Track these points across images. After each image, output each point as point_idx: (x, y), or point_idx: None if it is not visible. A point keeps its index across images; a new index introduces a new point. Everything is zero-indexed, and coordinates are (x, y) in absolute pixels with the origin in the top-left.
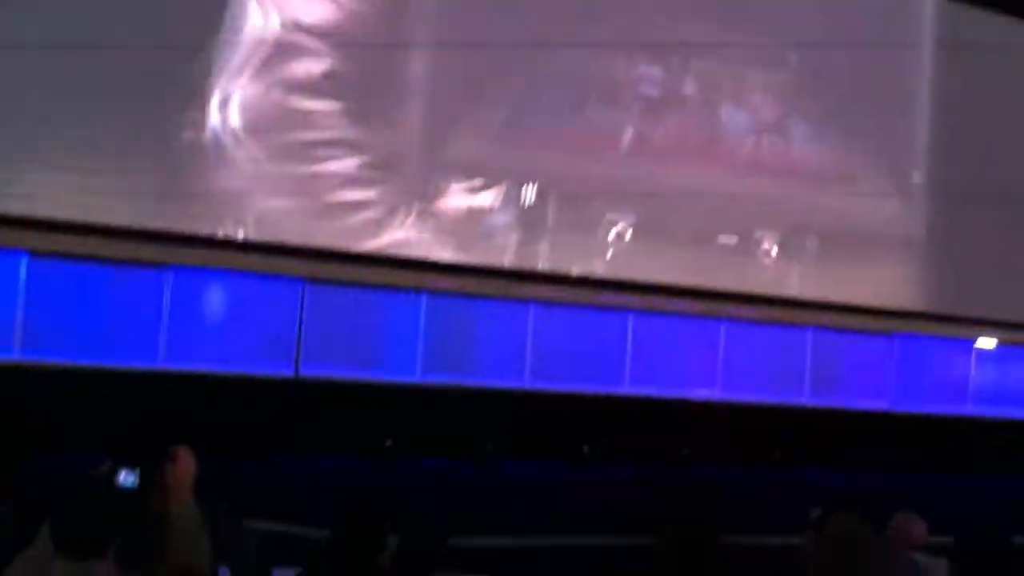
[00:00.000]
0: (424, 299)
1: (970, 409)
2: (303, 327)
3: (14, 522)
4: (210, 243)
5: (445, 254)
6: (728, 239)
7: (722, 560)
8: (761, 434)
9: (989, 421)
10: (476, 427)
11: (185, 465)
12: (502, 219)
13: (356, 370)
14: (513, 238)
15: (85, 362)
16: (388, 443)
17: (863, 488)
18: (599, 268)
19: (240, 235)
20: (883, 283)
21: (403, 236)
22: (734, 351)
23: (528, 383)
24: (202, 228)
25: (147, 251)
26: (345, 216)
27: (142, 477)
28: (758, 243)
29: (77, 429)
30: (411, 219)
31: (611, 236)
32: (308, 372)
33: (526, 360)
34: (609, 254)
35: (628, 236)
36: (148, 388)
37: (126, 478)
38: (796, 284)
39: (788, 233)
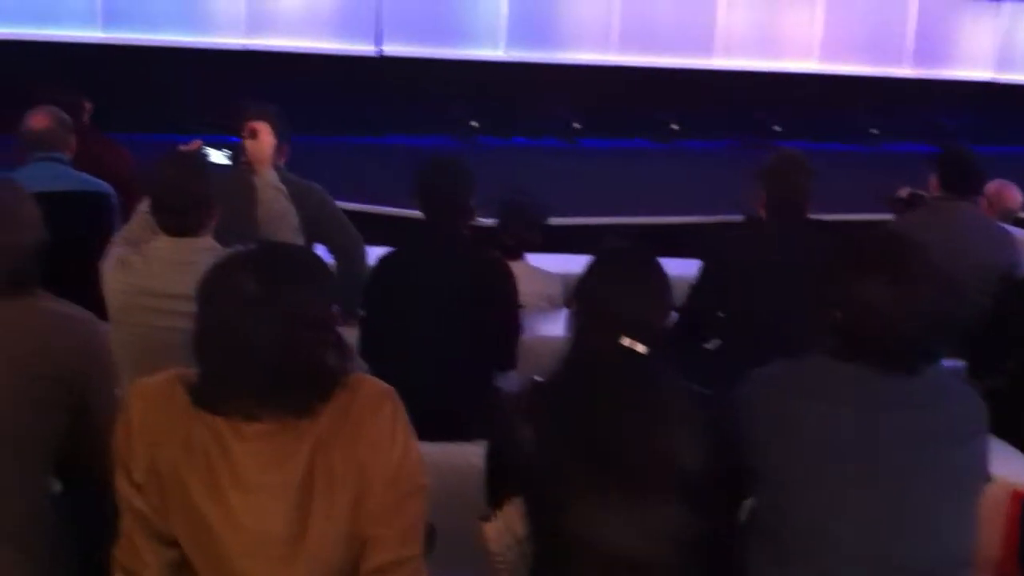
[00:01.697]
0: None
1: None
2: (381, 4)
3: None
4: None
5: None
6: None
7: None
8: (858, 107)
9: None
10: (561, 103)
11: (265, 138)
12: None
13: (438, 47)
14: None
15: (166, 39)
16: (473, 123)
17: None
18: None
19: None
20: None
21: None
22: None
23: (614, 56)
24: None
25: None
26: None
27: (232, 156)
28: None
29: (165, 108)
30: None
31: None
32: (391, 51)
33: (611, 33)
34: None
35: None
36: (232, 64)
37: (216, 155)
38: None
39: None
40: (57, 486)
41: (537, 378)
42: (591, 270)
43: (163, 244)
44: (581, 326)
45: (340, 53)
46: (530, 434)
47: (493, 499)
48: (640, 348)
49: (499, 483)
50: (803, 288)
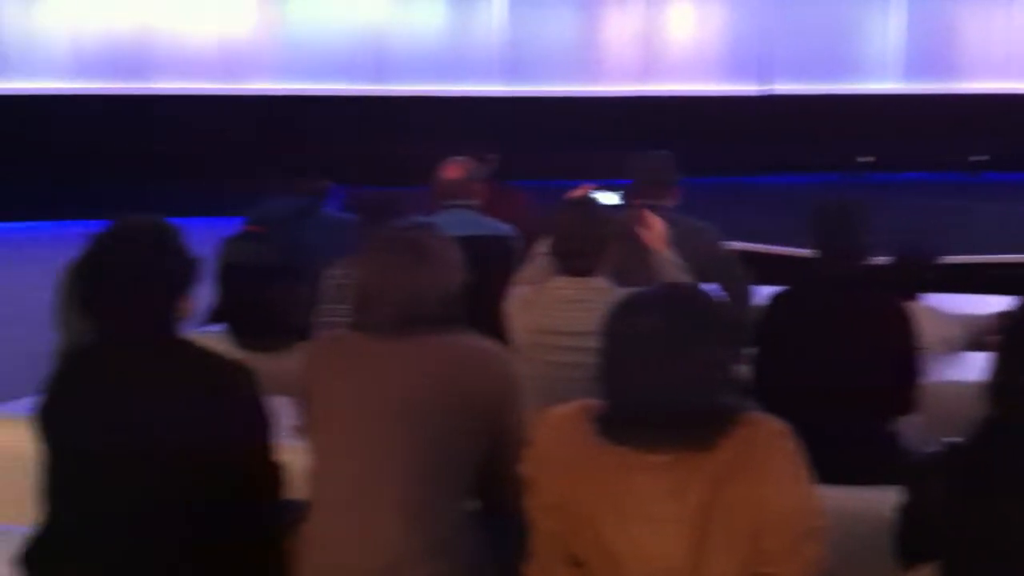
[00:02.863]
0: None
1: None
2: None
3: None
4: None
5: None
6: None
7: None
8: None
9: None
10: (961, 135)
11: (655, 227)
12: None
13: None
14: None
15: (562, 89)
16: (867, 158)
17: None
18: None
19: None
20: None
21: None
22: None
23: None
24: None
25: None
26: None
27: (623, 196)
28: None
29: (559, 155)
30: None
31: None
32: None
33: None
34: None
35: None
36: (624, 109)
37: (607, 197)
38: None
39: None
40: (475, 506)
41: (956, 440)
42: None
43: (562, 284)
44: (1002, 386)
45: (726, 94)
46: (945, 499)
47: (907, 559)
48: None
49: (914, 543)
50: None
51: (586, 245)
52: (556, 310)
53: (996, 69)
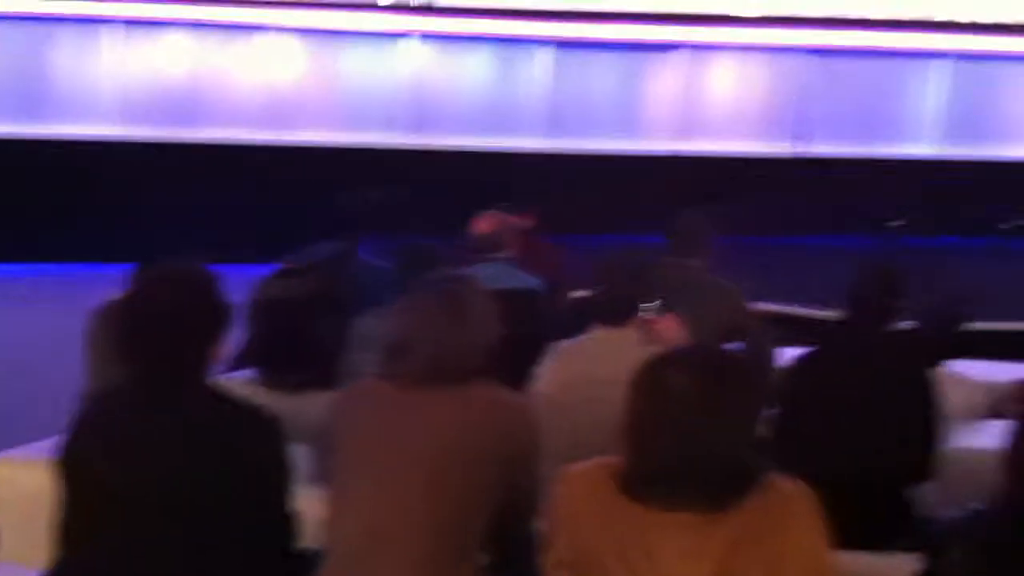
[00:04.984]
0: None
1: None
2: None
3: None
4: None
5: None
6: None
7: None
8: None
9: None
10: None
11: (670, 333)
12: None
13: (859, 144)
14: None
15: (602, 147)
16: (899, 222)
17: None
18: None
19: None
20: None
21: None
22: None
23: None
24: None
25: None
26: None
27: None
28: None
29: (600, 211)
30: None
31: None
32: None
33: None
34: None
35: None
36: (662, 168)
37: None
38: None
39: None
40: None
41: (975, 506)
42: None
43: (599, 335)
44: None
45: (759, 155)
46: (964, 567)
47: None
48: None
49: None
50: None
51: (628, 294)
52: (591, 359)
53: None
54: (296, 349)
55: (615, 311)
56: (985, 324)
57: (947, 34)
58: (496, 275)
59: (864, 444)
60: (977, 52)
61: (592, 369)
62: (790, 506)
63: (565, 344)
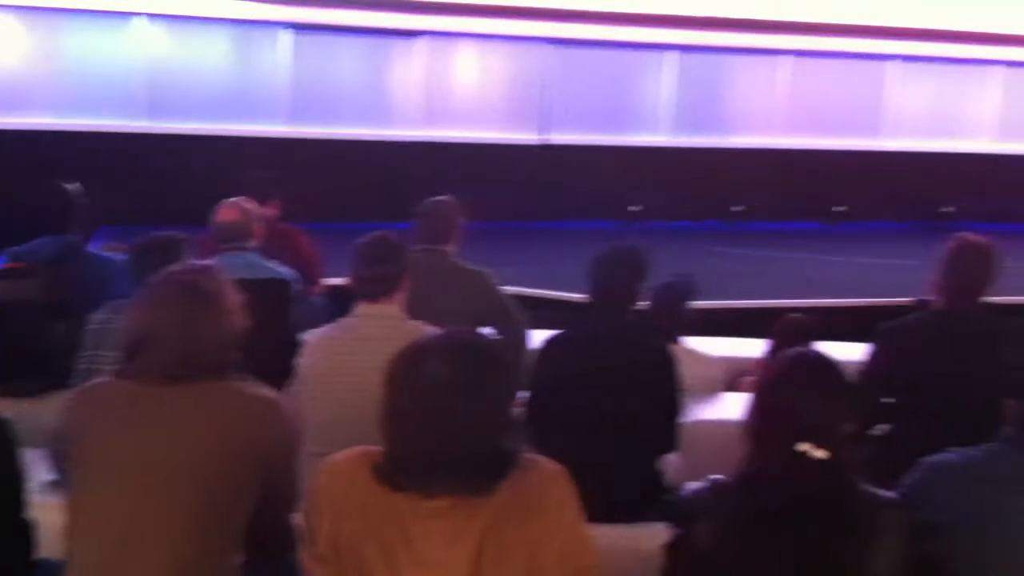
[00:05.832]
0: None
1: None
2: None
3: None
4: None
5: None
6: None
7: None
8: None
9: None
10: (728, 187)
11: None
12: None
13: (601, 133)
14: None
15: (347, 132)
16: (633, 208)
17: None
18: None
19: None
20: None
21: None
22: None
23: (778, 139)
24: None
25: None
26: None
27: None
28: None
29: (341, 197)
30: None
31: None
32: (554, 138)
33: (775, 116)
34: None
35: None
36: (410, 154)
37: None
38: None
39: None
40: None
41: (718, 478)
42: (774, 371)
43: (363, 310)
44: (760, 428)
45: (506, 142)
46: (711, 536)
47: None
48: (820, 454)
49: None
50: (976, 376)
51: (385, 271)
52: (351, 347)
53: (756, 125)
54: (30, 354)
55: (378, 286)
56: (721, 303)
57: (675, 29)
58: (242, 265)
59: (613, 420)
60: (701, 45)
61: (351, 356)
62: (546, 486)
63: (322, 330)
